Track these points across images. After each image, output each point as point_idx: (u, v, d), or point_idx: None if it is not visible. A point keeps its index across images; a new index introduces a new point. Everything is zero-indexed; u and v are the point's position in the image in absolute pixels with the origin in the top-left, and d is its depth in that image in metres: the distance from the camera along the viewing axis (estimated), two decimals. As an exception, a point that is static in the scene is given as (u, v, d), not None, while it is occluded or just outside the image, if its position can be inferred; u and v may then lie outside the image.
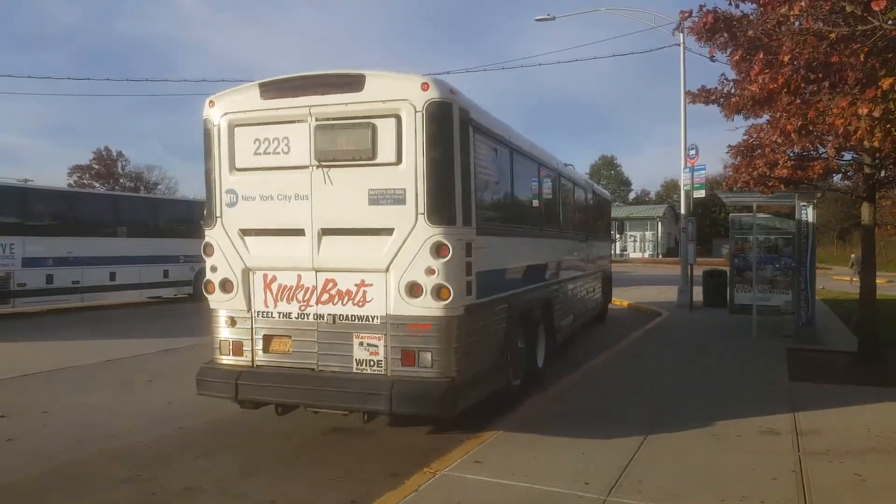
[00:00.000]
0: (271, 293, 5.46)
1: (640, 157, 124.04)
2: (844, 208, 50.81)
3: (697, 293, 17.30)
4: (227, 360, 5.69)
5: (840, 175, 10.26)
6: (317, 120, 5.19)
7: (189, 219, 19.39)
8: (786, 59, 4.46)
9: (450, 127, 5.01)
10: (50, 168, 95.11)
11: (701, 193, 17.17)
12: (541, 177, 8.26)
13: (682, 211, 18.28)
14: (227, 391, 5.49)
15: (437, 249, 4.93)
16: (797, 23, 4.21)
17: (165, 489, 4.72)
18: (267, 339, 5.53)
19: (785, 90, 4.88)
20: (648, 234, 61.79)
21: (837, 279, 31.32)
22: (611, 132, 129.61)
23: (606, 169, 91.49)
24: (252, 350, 5.56)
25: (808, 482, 4.47)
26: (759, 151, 9.09)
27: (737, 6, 4.26)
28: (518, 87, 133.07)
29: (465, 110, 5.21)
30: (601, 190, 16.43)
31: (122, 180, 61.58)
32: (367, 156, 5.07)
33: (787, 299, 12.56)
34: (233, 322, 5.63)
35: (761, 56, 4.64)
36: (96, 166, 60.56)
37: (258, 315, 5.53)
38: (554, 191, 9.13)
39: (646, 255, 58.87)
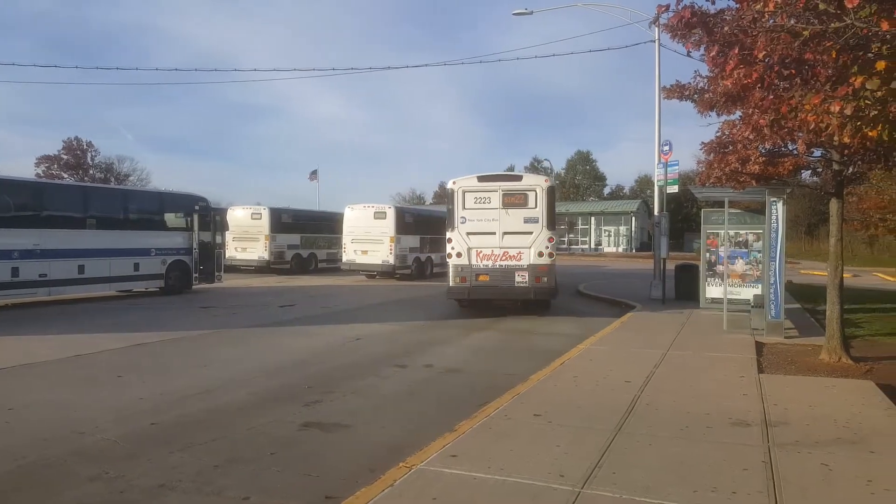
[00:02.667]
0: (479, 258, 13.93)
1: (616, 152, 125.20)
2: (813, 204, 52.06)
3: (670, 287, 17.54)
4: (459, 285, 14.11)
5: (809, 171, 10.48)
6: (502, 191, 14.02)
7: (161, 211, 19.02)
8: (760, 55, 4.52)
9: (552, 195, 14.13)
10: (17, 158, 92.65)
11: (674, 189, 17.43)
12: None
13: (656, 206, 18.51)
14: (464, 294, 14.18)
15: (548, 239, 13.89)
16: (772, 19, 4.26)
17: (135, 487, 4.62)
18: (477, 276, 13.98)
19: (759, 86, 4.95)
20: (622, 228, 62.51)
21: (805, 273, 32.06)
22: (587, 127, 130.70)
23: (582, 164, 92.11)
24: (470, 280, 13.98)
25: (777, 473, 4.56)
26: (732, 148, 9.21)
27: (713, 2, 4.30)
28: (497, 81, 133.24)
29: (553, 188, 14.34)
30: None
31: (91, 171, 60.23)
32: (523, 205, 13.95)
33: (757, 293, 12.81)
34: (462, 270, 13.98)
35: (736, 52, 4.69)
36: (65, 156, 59.13)
37: (474, 267, 13.92)
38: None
39: (620, 250, 59.60)
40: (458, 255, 14.07)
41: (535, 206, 13.90)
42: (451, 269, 14.18)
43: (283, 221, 28.84)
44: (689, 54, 4.36)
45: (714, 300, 14.69)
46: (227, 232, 22.82)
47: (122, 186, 43.13)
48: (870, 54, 4.01)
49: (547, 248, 13.91)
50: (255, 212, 28.47)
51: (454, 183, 14.26)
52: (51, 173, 55.63)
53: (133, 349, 10.12)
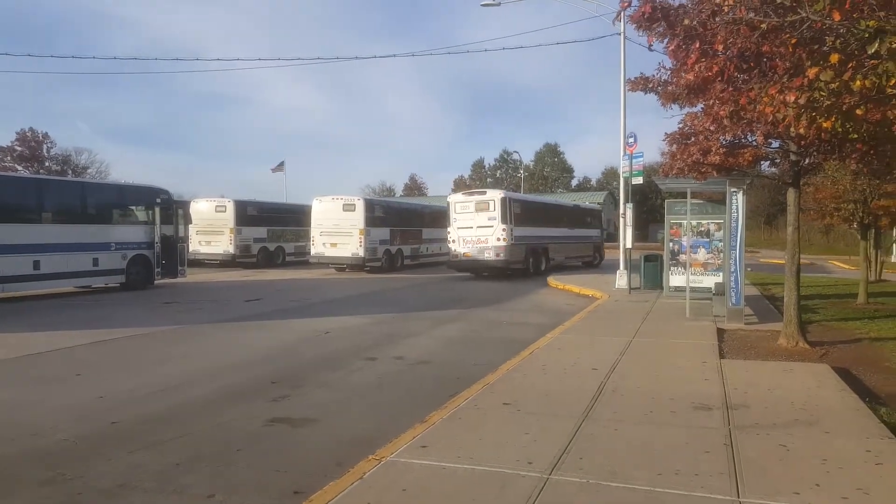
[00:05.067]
0: (464, 243, 22.59)
1: (583, 144, 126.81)
2: (772, 194, 53.45)
3: (636, 276, 17.86)
4: (453, 259, 23.23)
5: (768, 162, 10.75)
6: (475, 201, 23.25)
7: (121, 204, 18.52)
8: (720, 48, 4.61)
9: (509, 202, 22.67)
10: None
11: (639, 180, 17.70)
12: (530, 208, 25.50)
13: (621, 197, 18.78)
14: (455, 265, 23.41)
15: (501, 229, 21.95)
16: (731, 13, 4.34)
17: (93, 488, 4.50)
18: (464, 253, 22.63)
19: (719, 78, 5.05)
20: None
21: (765, 261, 32.97)
22: (555, 120, 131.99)
23: (550, 156, 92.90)
24: (459, 256, 22.94)
25: (737, 454, 4.69)
26: (694, 139, 9.40)
27: (674, -2, 4.36)
28: (468, 72, 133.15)
29: (512, 198, 23.53)
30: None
31: (48, 163, 58.25)
32: (486, 210, 22.50)
33: (718, 281, 13.12)
34: (455, 250, 22.98)
35: (697, 45, 4.78)
36: (19, 148, 57.04)
37: (461, 247, 22.76)
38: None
39: (587, 240, 60.16)
40: (453, 241, 23.24)
41: (494, 210, 22.35)
42: (449, 250, 23.62)
43: (249, 214, 28.38)
44: (650, 48, 4.40)
45: (677, 288, 15.00)
46: (190, 225, 22.35)
47: (80, 179, 41.80)
48: (825, 48, 4.12)
49: (502, 235, 22.04)
50: (219, 204, 27.93)
51: (449, 198, 24.39)
52: (3, 165, 53.60)
53: (93, 346, 9.85)
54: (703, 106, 8.59)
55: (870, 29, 3.14)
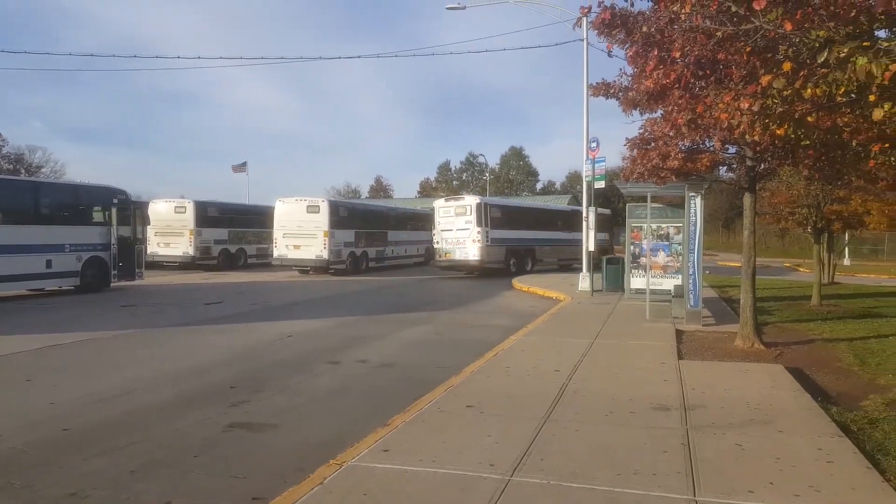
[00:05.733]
0: (448, 243, 24.64)
1: (548, 148, 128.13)
2: (730, 199, 54.91)
3: (599, 278, 18.12)
4: (438, 259, 25.38)
5: (725, 167, 11.03)
6: (455, 207, 25.08)
7: (76, 204, 17.94)
8: (677, 55, 4.71)
9: (483, 208, 24.43)
10: None
11: (601, 184, 17.96)
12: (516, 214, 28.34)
13: (584, 201, 19.03)
14: (439, 263, 25.37)
15: (480, 232, 23.84)
16: (688, 21, 4.44)
17: (44, 497, 4.34)
18: (446, 253, 24.82)
19: (676, 85, 5.17)
20: (554, 222, 63.91)
21: (723, 263, 33.86)
22: (521, 123, 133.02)
23: (516, 159, 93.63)
24: (442, 256, 25.11)
25: (694, 454, 4.79)
26: (654, 144, 9.58)
27: (632, 4, 4.43)
28: (434, 75, 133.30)
29: (487, 203, 25.40)
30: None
31: (-2, 162, 56.10)
32: (464, 214, 24.44)
33: (677, 284, 13.41)
34: (439, 250, 25.11)
35: (656, 52, 4.87)
36: (-34, 146, 54.74)
37: (445, 249, 24.87)
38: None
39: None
40: (437, 242, 25.51)
41: (471, 215, 24.37)
42: (436, 251, 25.94)
43: (210, 215, 27.84)
44: (610, 54, 4.47)
45: (638, 291, 15.28)
46: (148, 226, 21.79)
47: (32, 178, 40.35)
48: (778, 56, 4.25)
49: (477, 237, 24.07)
50: (179, 205, 27.32)
51: (434, 203, 26.98)
52: (-50, 164, 51.42)
53: (45, 351, 9.51)
54: (662, 112, 8.77)
55: (820, 39, 3.25)
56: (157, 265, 26.08)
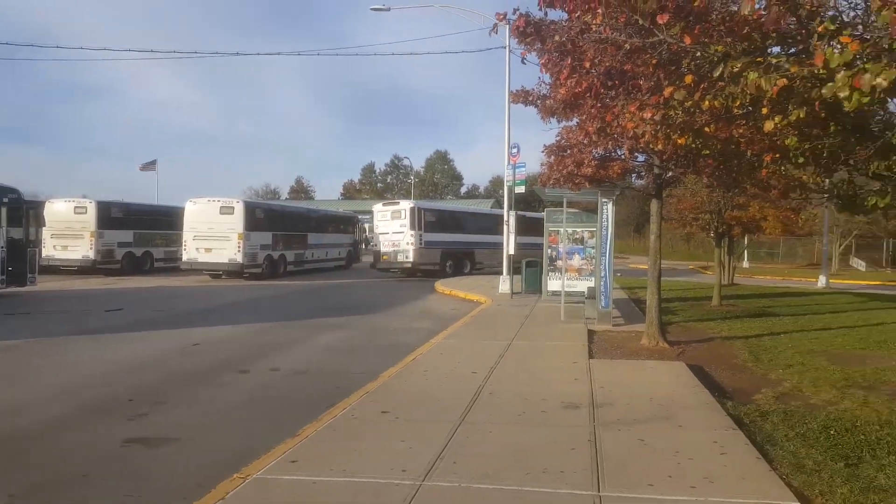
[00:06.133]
0: (385, 246, 25.80)
1: (473, 153, 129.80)
2: (641, 205, 57.59)
3: (519, 281, 18.48)
4: (380, 262, 26.25)
5: (635, 175, 11.52)
6: (391, 211, 26.39)
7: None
8: (587, 65, 4.87)
9: (417, 212, 25.71)
10: None
11: (521, 189, 18.37)
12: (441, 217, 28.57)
13: (505, 205, 19.37)
14: (377, 265, 26.37)
15: (414, 235, 25.07)
16: (598, 32, 4.59)
17: None
18: (383, 256, 25.92)
19: (588, 94, 5.34)
20: (476, 226, 64.82)
21: (634, 266, 35.45)
22: (446, 127, 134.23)
23: (441, 163, 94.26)
24: (380, 257, 26.17)
25: (600, 450, 4.93)
26: (569, 152, 9.88)
27: (545, 13, 4.53)
28: (359, 76, 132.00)
29: (420, 207, 26.54)
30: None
31: None
32: (399, 218, 25.68)
33: (590, 286, 13.88)
34: (378, 253, 26.24)
35: (569, 61, 5.02)
36: None
37: (382, 251, 26.00)
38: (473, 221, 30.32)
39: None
40: (375, 245, 26.78)
41: (405, 218, 25.54)
42: (374, 253, 27.01)
43: (114, 216, 26.17)
44: (523, 61, 4.54)
45: (555, 293, 15.68)
46: (44, 228, 20.22)
47: None
48: (682, 69, 4.45)
49: (411, 240, 25.19)
50: (79, 205, 25.51)
51: (374, 207, 28.10)
52: None
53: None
54: (578, 120, 9.05)
55: (718, 53, 3.44)
56: (53, 270, 24.26)
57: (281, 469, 4.54)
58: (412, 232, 25.21)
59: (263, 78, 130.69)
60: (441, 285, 21.67)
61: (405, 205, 26.48)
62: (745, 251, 42.97)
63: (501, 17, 4.50)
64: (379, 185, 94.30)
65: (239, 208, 23.67)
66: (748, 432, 5.50)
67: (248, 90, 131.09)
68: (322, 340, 11.13)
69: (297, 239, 27.30)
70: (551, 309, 14.16)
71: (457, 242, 27.79)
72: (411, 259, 25.28)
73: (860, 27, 3.12)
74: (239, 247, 23.17)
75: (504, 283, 18.53)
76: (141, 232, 27.19)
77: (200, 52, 48.84)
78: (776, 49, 3.61)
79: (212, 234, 23.41)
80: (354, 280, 25.53)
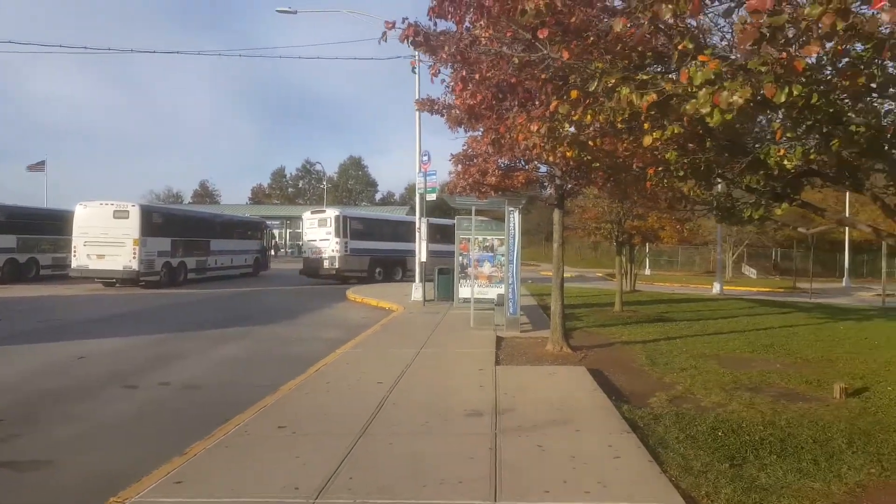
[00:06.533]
0: (312, 252, 27.04)
1: (388, 159, 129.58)
2: (550, 214, 59.63)
3: (431, 288, 18.50)
4: (304, 266, 27.44)
5: (539, 185, 11.83)
6: (318, 219, 27.39)
7: None
8: (477, 77, 4.94)
9: (342, 220, 26.53)
10: None
11: (433, 197, 18.42)
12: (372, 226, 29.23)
13: (417, 212, 19.38)
14: (304, 271, 27.43)
15: (339, 242, 26.00)
16: (487, 44, 4.65)
17: None
18: (310, 261, 27.16)
19: (483, 106, 5.41)
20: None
21: (545, 273, 36.48)
22: (360, 133, 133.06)
23: (355, 169, 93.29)
24: (307, 263, 27.35)
25: (499, 458, 4.95)
26: (476, 161, 10.00)
27: (435, 23, 4.53)
28: (269, 79, 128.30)
29: (345, 216, 27.29)
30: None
31: None
32: (325, 225, 26.66)
33: (500, 292, 14.11)
34: (306, 258, 27.55)
35: (464, 73, 5.06)
36: None
37: (310, 256, 27.32)
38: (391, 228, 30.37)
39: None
40: (305, 252, 27.73)
41: (330, 226, 26.41)
42: (303, 260, 28.05)
43: (-7, 221, 23.96)
44: (414, 70, 4.50)
45: (466, 300, 15.84)
46: None
47: None
48: (570, 85, 4.58)
49: (336, 247, 26.13)
50: (-49, 209, 23.16)
51: (303, 215, 29.26)
52: None
53: None
54: (483, 130, 9.18)
55: (598, 70, 3.57)
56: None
57: (163, 491, 4.25)
58: (337, 239, 26.19)
59: (167, 77, 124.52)
60: (353, 293, 21.35)
61: (331, 213, 27.56)
62: (647, 259, 45.33)
63: (391, 25, 4.40)
64: (290, 189, 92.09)
65: (134, 212, 22.26)
66: (642, 435, 5.70)
67: (151, 90, 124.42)
68: (220, 352, 10.61)
69: (199, 245, 26.04)
70: (462, 316, 14.27)
71: (388, 250, 28.45)
72: (336, 266, 26.18)
73: (726, 46, 3.34)
74: (134, 253, 21.79)
75: (416, 291, 18.51)
76: (25, 237, 24.98)
77: (91, 48, 45.34)
78: (658, 67, 3.80)
79: (105, 239, 21.89)
80: (261, 288, 24.66)
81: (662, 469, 4.83)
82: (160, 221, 23.83)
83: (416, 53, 17.69)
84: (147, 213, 23.02)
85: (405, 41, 4.09)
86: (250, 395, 7.30)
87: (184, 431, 6.00)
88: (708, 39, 4.16)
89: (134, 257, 21.80)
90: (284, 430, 5.73)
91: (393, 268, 28.64)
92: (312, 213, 28.87)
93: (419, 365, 8.85)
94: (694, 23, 4.16)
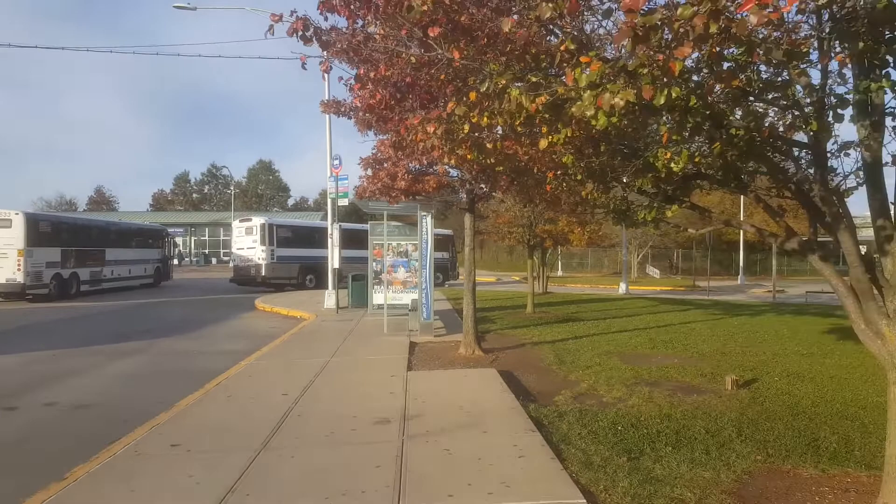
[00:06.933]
0: (240, 260, 27.16)
1: (300, 163, 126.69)
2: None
3: (345, 295, 18.17)
4: (234, 273, 27.54)
5: (450, 189, 11.89)
6: (245, 227, 27.31)
7: None
8: (373, 75, 4.85)
9: (268, 228, 26.50)
10: None
11: (345, 201, 18.15)
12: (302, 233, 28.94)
13: (329, 217, 19.01)
14: (236, 280, 27.32)
15: (264, 250, 25.98)
16: (382, 42, 4.59)
17: None
18: (239, 268, 27.15)
19: (382, 106, 5.34)
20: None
21: (463, 279, 36.79)
22: (270, 137, 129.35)
23: (265, 173, 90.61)
24: (237, 270, 27.45)
25: (405, 465, 4.88)
26: (386, 165, 9.91)
27: (326, 17, 4.40)
28: (171, 79, 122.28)
29: (271, 224, 27.08)
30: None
31: None
32: (251, 233, 26.59)
33: (415, 298, 14.06)
34: (235, 265, 27.61)
35: (362, 72, 4.96)
36: None
37: (238, 264, 27.33)
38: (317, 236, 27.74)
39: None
40: (233, 259, 27.98)
41: (256, 234, 26.53)
42: (232, 266, 28.12)
43: None
44: (304, 66, 4.34)
45: (380, 306, 15.66)
46: None
47: None
48: (470, 86, 4.58)
49: (262, 255, 26.10)
50: None
51: (233, 223, 29.01)
52: None
53: None
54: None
55: (493, 72, 3.58)
56: None
57: (32, 525, 3.86)
58: (263, 247, 26.44)
59: (57, 77, 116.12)
60: (262, 302, 20.62)
61: (257, 221, 27.60)
62: (559, 262, 46.86)
63: (277, 17, 4.12)
64: (195, 195, 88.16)
65: (18, 221, 20.47)
66: (546, 433, 5.80)
67: (39, 90, 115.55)
68: (114, 368, 9.89)
69: (92, 255, 24.30)
70: (376, 323, 14.10)
71: (319, 257, 27.16)
72: (263, 273, 26.33)
73: (612, 49, 3.45)
74: (19, 265, 20.03)
75: (329, 298, 18.13)
76: None
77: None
78: (553, 70, 3.86)
79: None
80: (163, 299, 23.32)
81: (564, 466, 4.92)
82: (48, 230, 22.05)
83: (325, 53, 17.47)
84: (33, 222, 21.21)
85: (293, 35, 3.91)
86: (144, 413, 6.83)
87: (68, 455, 5.52)
88: (602, 44, 4.30)
89: (19, 269, 20.03)
90: (178, 447, 5.39)
91: (325, 275, 28.11)
92: (241, 221, 28.81)
93: (328, 374, 8.62)
94: (589, 28, 4.30)
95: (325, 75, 18.29)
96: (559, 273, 46.39)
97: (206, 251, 60.87)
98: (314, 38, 4.06)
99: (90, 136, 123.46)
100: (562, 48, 3.09)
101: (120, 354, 11.14)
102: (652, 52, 2.64)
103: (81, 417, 7.07)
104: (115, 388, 8.58)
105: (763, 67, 3.73)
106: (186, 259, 57.21)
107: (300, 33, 3.92)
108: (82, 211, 75.43)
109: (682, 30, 2.47)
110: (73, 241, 23.16)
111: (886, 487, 4.07)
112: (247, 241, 27.11)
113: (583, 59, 2.82)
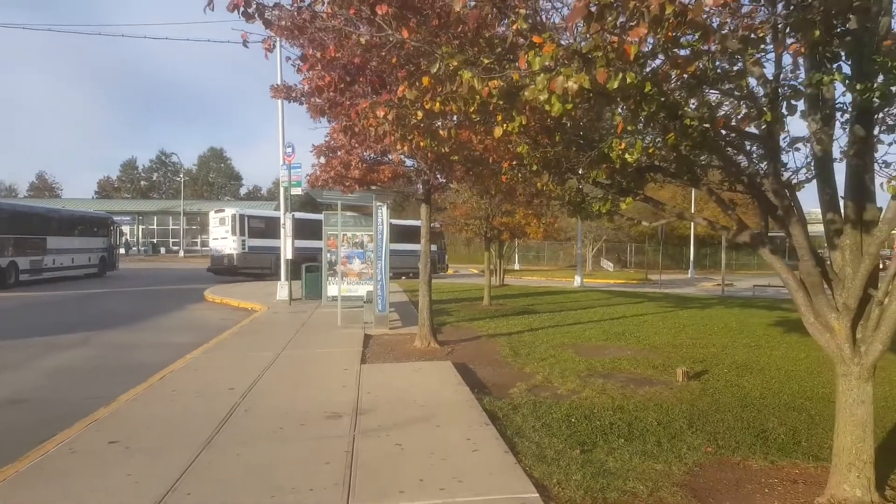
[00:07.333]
0: (215, 250, 28.30)
1: (253, 151, 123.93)
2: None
3: (299, 287, 17.81)
4: (212, 267, 28.27)
5: (406, 179, 11.73)
6: (219, 218, 28.21)
7: None
8: (320, 55, 4.67)
9: (241, 219, 27.39)
10: None
11: (298, 190, 17.77)
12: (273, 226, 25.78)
13: (282, 207, 18.59)
14: (212, 270, 28.14)
15: (236, 240, 26.90)
16: (330, 20, 4.41)
17: None
18: (215, 257, 28.30)
19: (331, 90, 5.15)
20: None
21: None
22: (222, 123, 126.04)
23: (216, 161, 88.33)
24: (214, 259, 28.43)
25: (355, 461, 4.74)
26: (339, 153, 9.67)
27: (269, -8, 4.18)
28: (117, 61, 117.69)
29: (242, 214, 27.70)
30: None
31: None
32: (225, 224, 27.56)
33: (370, 289, 13.86)
34: (213, 254, 28.69)
35: (310, 52, 4.76)
36: None
37: (214, 254, 28.45)
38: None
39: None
40: (211, 249, 28.64)
41: (228, 224, 27.22)
42: (210, 258, 28.87)
43: None
44: (245, 44, 4.13)
45: (335, 298, 15.41)
46: None
47: None
48: (422, 70, 4.43)
49: (233, 245, 26.96)
50: None
51: (210, 215, 29.55)
52: None
53: None
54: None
55: (445, 54, 3.45)
56: None
57: (-53, 533, 3.58)
58: (234, 237, 27.26)
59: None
60: (211, 293, 20.05)
61: (229, 212, 28.50)
62: (516, 254, 47.20)
63: None
64: (143, 183, 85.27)
65: (-50, 207, 19.37)
66: (500, 426, 5.74)
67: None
68: (51, 362, 9.40)
69: (32, 243, 23.17)
70: (330, 315, 13.85)
71: (301, 248, 28.32)
72: (235, 263, 27.16)
73: (566, 33, 3.38)
74: (-50, 253, 18.96)
75: (282, 290, 17.75)
76: None
77: None
78: (510, 56, 3.76)
79: None
80: (107, 290, 22.41)
81: (518, 459, 4.86)
82: (-18, 217, 20.93)
83: (279, 41, 17.00)
84: (-34, 208, 20.10)
85: (234, 11, 3.69)
86: (82, 407, 6.50)
87: (-5, 455, 5.17)
88: (558, 32, 4.22)
89: (-51, 258, 18.95)
90: (116, 444, 5.12)
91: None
92: (216, 212, 29.63)
93: (278, 368, 8.39)
94: (545, 17, 4.21)
95: (279, 59, 17.88)
96: (516, 266, 46.73)
97: (155, 240, 58.94)
98: (256, 15, 3.84)
99: (31, 119, 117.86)
100: (514, 27, 2.98)
101: (59, 347, 10.60)
102: (607, 34, 2.57)
103: (14, 414, 6.67)
104: (50, 382, 8.15)
105: (720, 60, 3.72)
106: (134, 248, 55.26)
107: (241, 9, 3.70)
108: (23, 198, 72.00)
109: (637, 10, 2.40)
110: (12, 229, 22.03)
111: (834, 479, 4.16)
112: (220, 232, 27.94)
113: (535, 38, 2.73)
